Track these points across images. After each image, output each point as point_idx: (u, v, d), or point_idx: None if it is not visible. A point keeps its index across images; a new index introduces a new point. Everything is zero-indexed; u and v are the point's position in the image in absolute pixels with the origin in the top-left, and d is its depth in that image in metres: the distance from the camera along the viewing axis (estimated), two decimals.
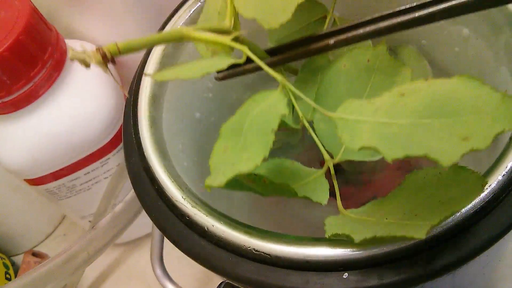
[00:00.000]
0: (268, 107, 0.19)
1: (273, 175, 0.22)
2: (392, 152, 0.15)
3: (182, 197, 0.20)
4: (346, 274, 0.18)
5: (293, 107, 0.22)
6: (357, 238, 0.17)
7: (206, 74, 0.20)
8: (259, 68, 0.20)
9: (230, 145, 0.19)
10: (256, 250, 0.18)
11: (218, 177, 0.17)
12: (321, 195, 0.21)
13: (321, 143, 0.22)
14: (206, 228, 0.19)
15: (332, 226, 0.19)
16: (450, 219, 0.17)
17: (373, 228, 0.18)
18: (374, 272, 0.18)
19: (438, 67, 0.28)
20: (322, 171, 0.22)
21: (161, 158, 0.22)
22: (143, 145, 0.23)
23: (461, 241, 0.18)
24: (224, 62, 0.20)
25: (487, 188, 0.18)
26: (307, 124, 0.22)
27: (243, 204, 0.31)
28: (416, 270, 0.17)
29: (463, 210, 0.17)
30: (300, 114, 0.21)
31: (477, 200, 0.18)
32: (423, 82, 0.16)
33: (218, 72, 0.23)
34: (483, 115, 0.15)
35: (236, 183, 0.20)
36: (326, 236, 0.18)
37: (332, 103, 0.23)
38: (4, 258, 0.45)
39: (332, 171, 0.21)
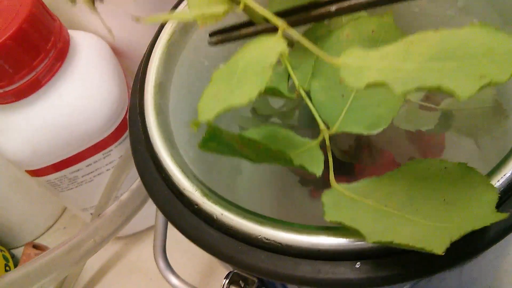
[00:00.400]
0: (266, 49, 0.18)
1: (267, 142, 0.21)
2: (402, 86, 0.14)
3: (191, 185, 0.20)
4: (359, 263, 0.17)
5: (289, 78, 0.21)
6: (369, 238, 0.16)
7: (201, 16, 0.18)
8: (255, 34, 0.19)
9: (222, 88, 0.17)
10: (267, 239, 0.18)
11: (207, 113, 0.16)
12: (316, 166, 0.20)
13: (318, 114, 0.21)
14: (215, 217, 0.19)
15: (331, 207, 0.18)
16: None
17: (380, 220, 0.17)
18: (387, 262, 0.17)
19: None
20: (316, 141, 0.21)
21: (168, 147, 0.22)
22: (150, 133, 0.22)
23: (473, 233, 0.17)
24: (221, 7, 0.19)
25: (502, 178, 0.17)
26: (303, 93, 0.21)
27: (248, 198, 0.31)
28: (429, 261, 0.17)
29: None
30: (297, 82, 0.21)
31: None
32: (434, 32, 0.15)
33: (211, 36, 0.22)
34: (498, 56, 0.14)
35: (228, 148, 0.19)
36: (326, 219, 0.17)
37: (332, 74, 0.22)
38: (3, 251, 0.45)
39: (328, 142, 0.21)
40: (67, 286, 0.42)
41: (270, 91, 0.21)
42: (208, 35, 0.22)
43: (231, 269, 0.22)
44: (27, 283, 0.24)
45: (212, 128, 0.17)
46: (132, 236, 0.46)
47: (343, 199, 0.19)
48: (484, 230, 0.17)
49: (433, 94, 0.25)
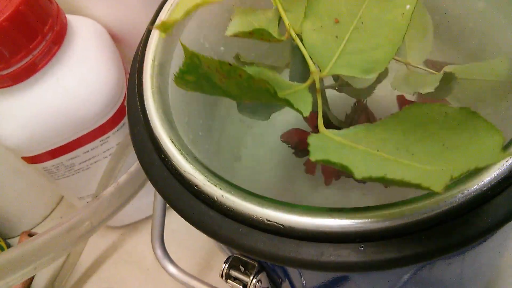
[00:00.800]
0: None
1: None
2: None
3: (190, 167, 0.20)
4: (363, 246, 0.17)
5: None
6: (358, 172, 0.15)
7: None
8: None
9: None
10: (269, 220, 0.18)
11: (179, 12, 0.15)
12: (303, 106, 0.19)
13: (309, 57, 0.20)
14: (215, 198, 0.19)
15: (317, 148, 0.17)
16: (472, 189, 0.17)
17: (371, 161, 0.16)
18: (392, 244, 0.17)
19: (452, 42, 0.27)
20: (305, 84, 0.20)
21: (168, 128, 0.21)
22: (148, 115, 0.22)
23: (481, 214, 0.17)
24: None
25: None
26: (294, 34, 0.20)
27: (246, 186, 0.30)
28: (436, 243, 0.17)
29: (486, 180, 0.17)
30: (287, 22, 0.20)
31: (500, 170, 0.17)
32: None
33: None
34: None
35: (207, 81, 0.17)
36: (311, 159, 0.16)
37: (325, 14, 0.20)
38: None
39: (318, 84, 0.19)
40: (63, 275, 0.41)
41: (259, 33, 0.20)
42: None
43: (230, 253, 0.22)
44: (22, 263, 0.24)
45: (191, 54, 0.16)
46: (129, 226, 0.45)
47: (332, 143, 0.17)
48: (491, 209, 0.17)
49: (435, 62, 0.24)
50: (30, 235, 0.42)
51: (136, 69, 0.23)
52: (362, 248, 0.17)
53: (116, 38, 0.39)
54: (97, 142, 0.36)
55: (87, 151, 0.36)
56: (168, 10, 0.24)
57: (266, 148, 0.31)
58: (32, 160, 0.35)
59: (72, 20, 0.35)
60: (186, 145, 0.21)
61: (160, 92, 0.23)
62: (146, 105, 0.22)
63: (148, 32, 0.24)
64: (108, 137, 0.36)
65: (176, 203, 0.20)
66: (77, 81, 0.33)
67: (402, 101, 0.26)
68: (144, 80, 0.23)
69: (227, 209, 0.18)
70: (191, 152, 0.20)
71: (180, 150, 0.20)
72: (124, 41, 0.39)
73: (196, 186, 0.19)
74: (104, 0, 0.37)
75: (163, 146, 0.21)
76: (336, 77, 0.26)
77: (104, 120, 0.35)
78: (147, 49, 0.24)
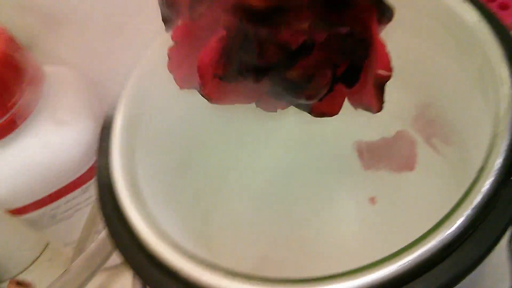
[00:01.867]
0: None
1: None
2: None
3: (155, 238, 0.20)
4: None
5: None
6: None
7: None
8: None
9: None
10: None
11: None
12: None
13: None
14: (186, 275, 0.19)
15: None
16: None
17: None
18: None
19: None
20: None
21: (134, 197, 0.21)
22: (114, 182, 0.22)
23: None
24: None
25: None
26: None
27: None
28: None
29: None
30: None
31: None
32: None
33: None
34: None
35: None
36: None
37: None
38: None
39: None
40: None
41: None
42: None
43: None
44: None
45: None
46: (115, 267, 0.45)
47: None
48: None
49: None
50: (18, 283, 0.42)
51: (105, 129, 0.24)
52: None
53: (97, 86, 0.39)
54: (78, 191, 0.36)
55: (69, 201, 0.36)
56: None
57: (246, 199, 0.31)
58: (15, 212, 0.35)
59: (51, 72, 0.36)
60: (155, 216, 0.21)
61: (130, 151, 0.23)
62: (112, 172, 0.22)
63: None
64: (89, 185, 0.36)
65: (146, 279, 0.20)
66: (55, 133, 0.33)
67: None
68: (112, 141, 0.23)
69: (193, 282, 0.18)
70: (159, 226, 0.20)
71: (147, 223, 0.20)
72: (105, 88, 0.40)
73: (160, 258, 0.19)
74: (84, 49, 0.38)
75: (129, 219, 0.21)
76: None
77: (84, 169, 0.35)
78: (118, 108, 0.24)
